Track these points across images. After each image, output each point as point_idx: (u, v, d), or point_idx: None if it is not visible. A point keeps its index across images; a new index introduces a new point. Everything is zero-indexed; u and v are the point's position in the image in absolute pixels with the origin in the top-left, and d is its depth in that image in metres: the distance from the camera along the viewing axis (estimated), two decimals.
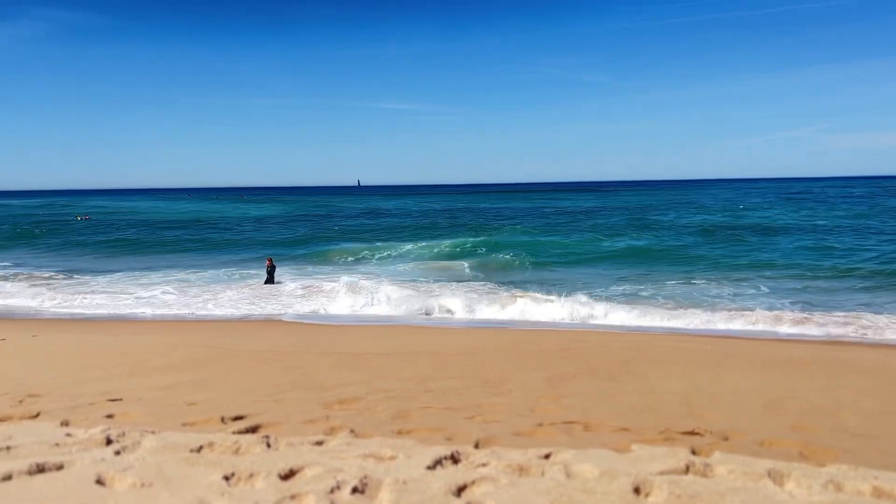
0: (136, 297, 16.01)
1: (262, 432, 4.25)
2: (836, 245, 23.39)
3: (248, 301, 15.42)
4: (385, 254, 25.75)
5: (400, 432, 4.27)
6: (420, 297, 14.71)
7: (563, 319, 12.46)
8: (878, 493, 3.01)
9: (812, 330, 10.98)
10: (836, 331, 10.88)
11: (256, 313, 14.03)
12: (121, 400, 5.38)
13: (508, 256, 22.98)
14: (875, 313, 11.97)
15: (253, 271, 20.33)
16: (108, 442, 3.69)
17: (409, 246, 27.44)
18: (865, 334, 10.57)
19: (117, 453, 3.45)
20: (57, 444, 3.60)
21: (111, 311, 14.56)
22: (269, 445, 3.72)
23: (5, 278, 19.96)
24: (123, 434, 3.83)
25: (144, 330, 11.79)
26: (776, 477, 3.16)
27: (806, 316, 11.89)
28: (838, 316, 11.80)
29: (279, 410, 4.95)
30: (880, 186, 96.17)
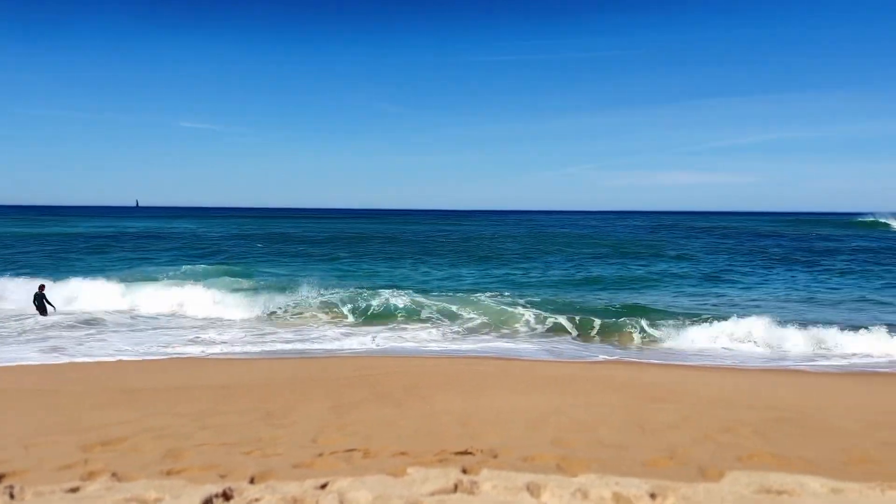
0: None
1: (6, 482, 3.80)
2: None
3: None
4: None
5: (169, 472, 4.04)
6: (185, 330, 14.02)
7: (353, 347, 12.51)
8: (616, 497, 3.37)
9: (579, 351, 12.01)
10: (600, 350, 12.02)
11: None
12: None
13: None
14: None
15: None
16: None
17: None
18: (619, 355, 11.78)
19: None
20: None
21: None
22: (12, 496, 3.34)
23: None
24: None
25: None
26: (533, 489, 3.43)
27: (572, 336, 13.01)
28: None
29: (30, 457, 4.47)
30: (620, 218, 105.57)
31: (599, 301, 17.04)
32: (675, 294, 18.59)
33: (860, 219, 72.68)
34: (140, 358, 10.98)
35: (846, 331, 12.63)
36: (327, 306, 16.12)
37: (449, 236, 47.56)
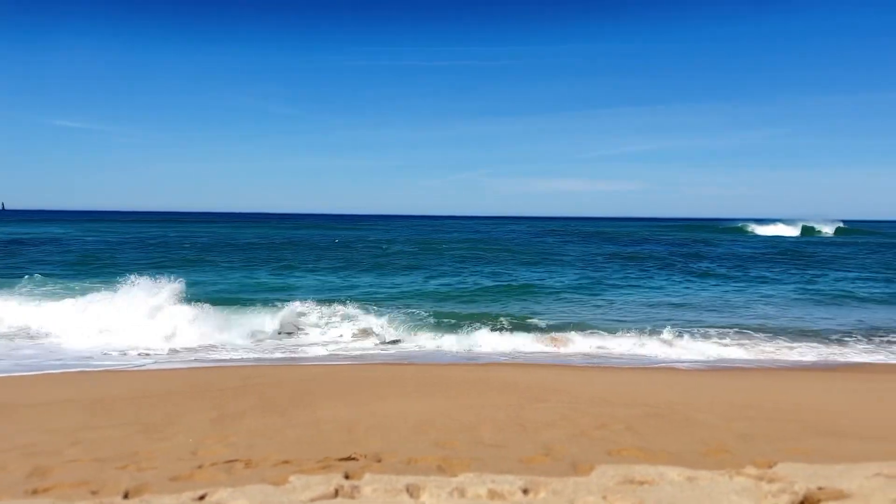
0: None
1: None
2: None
3: None
4: None
5: (35, 491, 3.86)
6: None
7: (241, 356, 12.22)
8: (492, 494, 3.52)
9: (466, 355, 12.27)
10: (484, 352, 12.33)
11: None
12: None
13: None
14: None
15: None
16: None
17: None
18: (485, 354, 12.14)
19: None
20: None
21: None
22: None
23: None
24: None
25: None
26: (413, 490, 3.53)
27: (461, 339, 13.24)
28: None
29: None
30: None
31: (489, 307, 17.45)
32: (556, 300, 19.23)
33: (732, 224, 78.29)
34: (6, 374, 10.28)
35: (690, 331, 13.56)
36: None
37: (342, 241, 47.12)
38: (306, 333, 14.36)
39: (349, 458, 4.59)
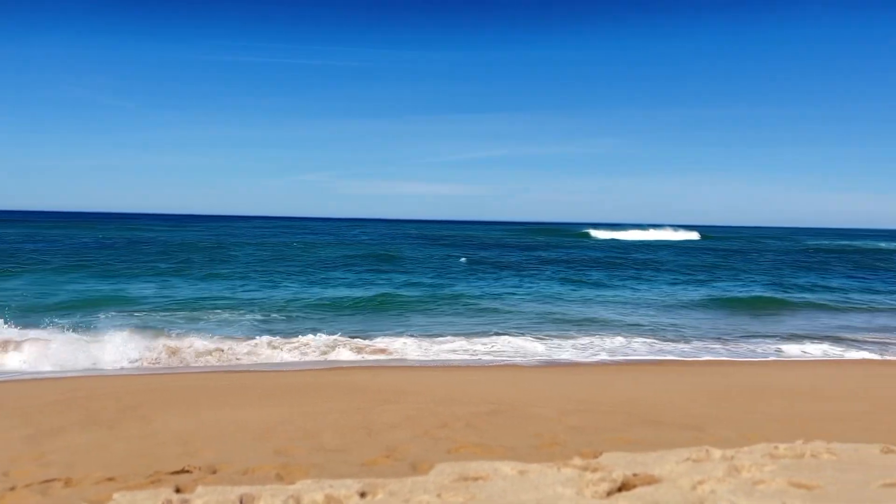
0: None
1: None
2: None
3: None
4: None
5: None
6: None
7: (56, 369, 11.18)
8: (328, 499, 3.49)
9: (309, 356, 12.03)
10: (329, 357, 12.15)
11: None
12: None
13: None
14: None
15: None
16: None
17: None
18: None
19: None
20: None
21: None
22: None
23: None
24: None
25: None
26: (246, 500, 3.42)
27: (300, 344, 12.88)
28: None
29: None
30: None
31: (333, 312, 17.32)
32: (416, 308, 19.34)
33: (577, 230, 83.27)
34: None
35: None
36: None
37: (177, 243, 44.70)
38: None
39: (182, 471, 4.38)
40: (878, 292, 24.19)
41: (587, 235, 75.56)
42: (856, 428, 6.43)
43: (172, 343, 12.29)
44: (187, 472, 4.37)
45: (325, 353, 12.43)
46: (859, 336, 15.04)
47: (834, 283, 27.25)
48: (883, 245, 67.68)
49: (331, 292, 21.04)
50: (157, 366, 11.28)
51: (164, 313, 16.32)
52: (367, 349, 12.79)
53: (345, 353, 12.41)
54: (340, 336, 13.36)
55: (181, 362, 11.51)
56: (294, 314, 16.72)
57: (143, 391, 8.43)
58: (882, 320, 17.76)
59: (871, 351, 13.39)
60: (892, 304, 20.86)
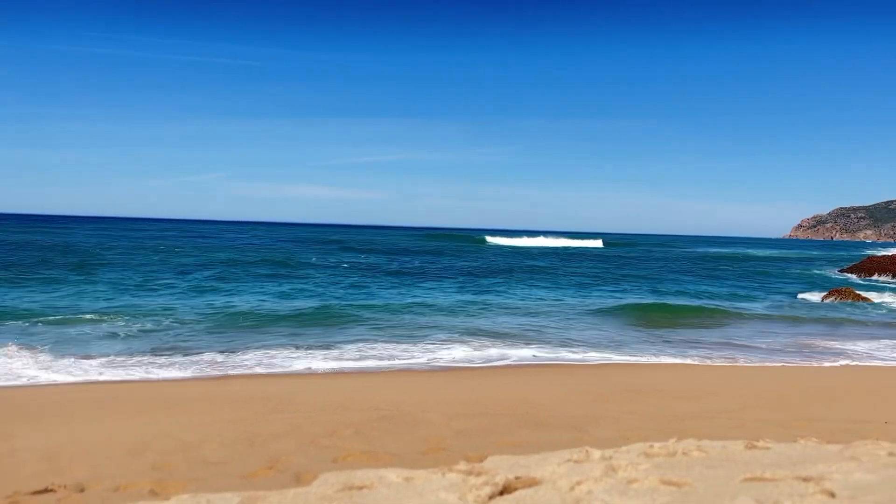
0: None
1: None
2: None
3: None
4: None
5: None
6: None
7: None
8: None
9: (184, 372, 11.37)
10: (208, 371, 11.51)
11: None
12: None
13: None
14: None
15: None
16: None
17: None
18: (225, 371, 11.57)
19: None
20: None
21: None
22: None
23: None
24: None
25: None
26: None
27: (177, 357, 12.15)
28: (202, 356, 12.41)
29: None
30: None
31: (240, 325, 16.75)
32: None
33: (475, 235, 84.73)
34: None
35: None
36: None
37: (52, 246, 41.90)
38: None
39: (45, 490, 4.09)
40: (752, 299, 25.97)
41: (482, 241, 76.90)
42: (724, 425, 6.86)
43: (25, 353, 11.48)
44: (51, 491, 4.08)
45: (205, 364, 11.93)
46: (734, 340, 16.04)
47: (715, 290, 29.07)
48: (753, 252, 73.10)
49: (210, 298, 20.32)
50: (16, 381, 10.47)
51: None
52: (249, 363, 12.40)
53: (223, 361, 11.97)
54: (219, 349, 12.88)
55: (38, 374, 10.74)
56: (173, 325, 15.95)
57: (5, 405, 7.82)
58: (752, 325, 19.08)
59: (737, 352, 14.32)
60: (759, 311, 22.39)
